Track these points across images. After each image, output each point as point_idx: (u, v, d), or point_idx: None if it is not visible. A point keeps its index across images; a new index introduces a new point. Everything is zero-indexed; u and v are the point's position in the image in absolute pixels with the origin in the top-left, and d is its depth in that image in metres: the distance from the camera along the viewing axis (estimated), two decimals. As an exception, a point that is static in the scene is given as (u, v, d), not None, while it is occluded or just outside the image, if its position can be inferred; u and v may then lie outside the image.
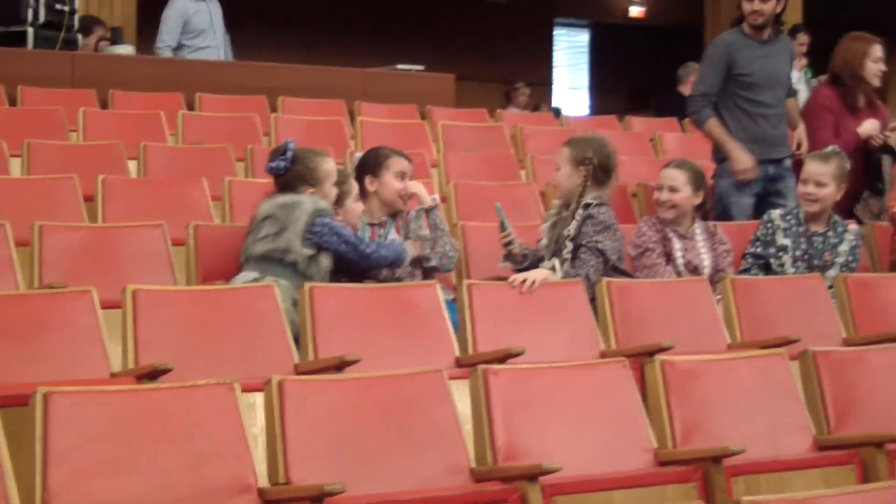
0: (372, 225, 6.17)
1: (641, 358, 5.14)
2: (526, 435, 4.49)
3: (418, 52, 15.18)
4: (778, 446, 4.84)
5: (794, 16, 13.97)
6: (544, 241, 6.24)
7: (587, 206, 6.13)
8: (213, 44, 10.96)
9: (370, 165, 6.22)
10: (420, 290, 5.59)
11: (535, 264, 6.03)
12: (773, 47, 7.66)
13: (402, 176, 6.19)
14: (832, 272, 6.55)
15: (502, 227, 6.17)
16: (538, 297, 5.74)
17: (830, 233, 6.70)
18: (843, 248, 6.67)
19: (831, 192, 6.69)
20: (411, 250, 5.94)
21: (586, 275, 5.99)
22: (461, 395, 4.65)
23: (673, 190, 6.49)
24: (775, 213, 6.79)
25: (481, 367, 4.58)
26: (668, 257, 6.40)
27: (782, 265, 6.65)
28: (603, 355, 5.54)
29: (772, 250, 6.68)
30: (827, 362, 5.16)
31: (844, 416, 5.05)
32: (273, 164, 5.90)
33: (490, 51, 18.85)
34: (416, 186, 6.25)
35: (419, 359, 5.12)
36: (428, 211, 6.18)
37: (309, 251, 5.66)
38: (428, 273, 6.09)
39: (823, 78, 10.78)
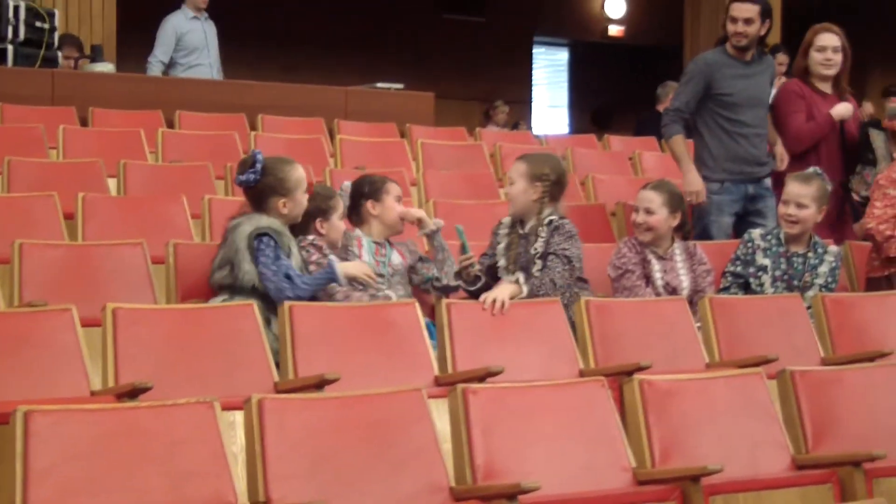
0: (377, 244, 6.19)
1: (620, 377, 5.16)
2: (505, 454, 4.50)
3: (398, 70, 15.23)
4: (756, 465, 4.85)
5: (773, 36, 14.03)
6: (502, 262, 6.26)
7: (550, 222, 6.19)
8: (206, 62, 11.04)
9: (369, 192, 6.25)
10: (399, 309, 5.60)
11: (488, 285, 6.06)
12: (755, 68, 7.68)
13: (399, 199, 6.28)
14: (811, 293, 6.57)
15: (463, 250, 6.20)
16: (517, 316, 5.76)
17: (811, 254, 6.72)
18: (823, 269, 6.69)
19: (812, 213, 6.72)
20: (347, 269, 5.81)
21: (551, 279, 6.05)
22: (440, 414, 4.66)
23: (649, 212, 6.52)
24: (756, 233, 6.82)
25: (461, 385, 4.59)
26: (648, 279, 6.43)
27: (762, 285, 6.67)
28: (582, 374, 5.55)
29: (751, 270, 6.71)
30: (805, 381, 5.18)
31: (822, 435, 5.07)
32: (243, 178, 5.85)
33: (469, 69, 18.89)
34: (419, 212, 6.35)
35: (399, 377, 5.13)
36: (431, 235, 6.24)
37: None
38: (442, 292, 6.17)
39: None
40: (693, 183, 7.47)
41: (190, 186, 7.61)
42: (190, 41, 11.09)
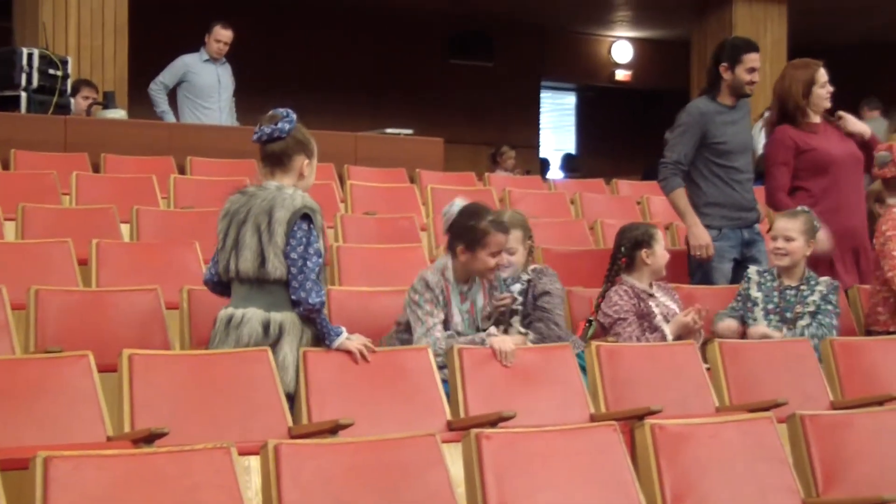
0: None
1: (631, 421, 5.19)
2: (518, 498, 4.52)
3: (407, 115, 15.31)
4: (767, 509, 4.89)
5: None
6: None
7: (534, 269, 6.36)
8: (215, 106, 11.14)
9: (467, 238, 5.92)
10: (411, 354, 5.64)
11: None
12: (739, 113, 7.71)
13: (496, 254, 5.95)
14: (803, 322, 6.63)
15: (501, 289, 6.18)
16: (527, 361, 5.79)
17: (803, 286, 6.79)
18: (813, 298, 6.74)
19: (800, 245, 6.78)
20: (346, 343, 5.43)
21: (555, 322, 6.23)
22: (454, 459, 4.70)
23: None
24: (752, 270, 6.96)
25: (474, 430, 4.62)
26: (645, 318, 6.47)
27: (755, 319, 6.75)
28: (593, 419, 5.59)
29: (749, 304, 6.80)
30: (815, 425, 5.20)
31: (832, 479, 5.09)
32: (277, 126, 5.46)
33: (478, 114, 18.98)
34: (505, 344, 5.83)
35: (412, 422, 5.17)
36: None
37: None
38: None
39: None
40: (701, 237, 7.47)
41: (202, 232, 7.64)
42: (198, 82, 11.23)
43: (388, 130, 11.71)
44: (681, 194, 7.56)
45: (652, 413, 5.29)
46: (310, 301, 5.31)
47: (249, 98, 12.10)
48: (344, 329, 5.48)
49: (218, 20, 11.44)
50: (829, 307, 6.73)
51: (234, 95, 11.58)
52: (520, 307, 6.24)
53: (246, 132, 10.74)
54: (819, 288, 6.79)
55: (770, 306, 6.78)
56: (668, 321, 6.49)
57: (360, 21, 18.10)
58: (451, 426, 5.35)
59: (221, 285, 5.59)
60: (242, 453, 4.41)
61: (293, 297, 5.34)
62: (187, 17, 13.42)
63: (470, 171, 10.95)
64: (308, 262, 5.33)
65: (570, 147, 21.59)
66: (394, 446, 4.55)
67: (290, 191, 5.43)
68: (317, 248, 5.37)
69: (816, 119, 7.58)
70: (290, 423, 5.17)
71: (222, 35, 11.31)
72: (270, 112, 5.60)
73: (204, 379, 5.21)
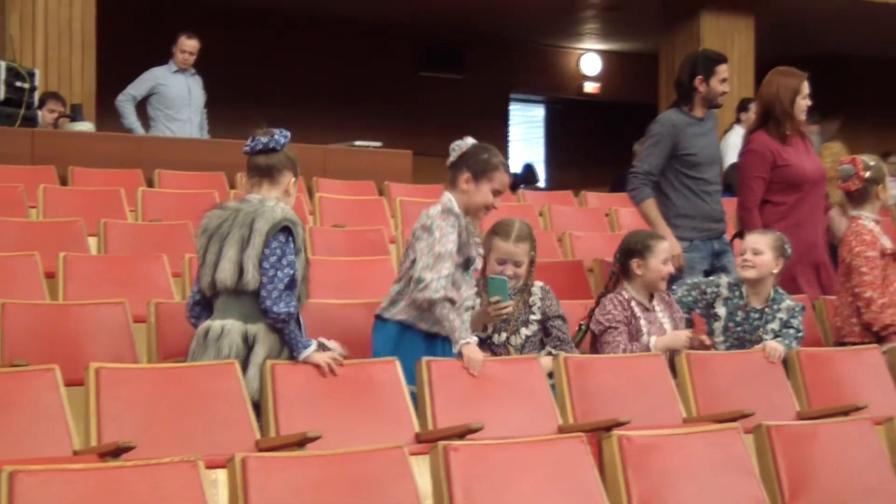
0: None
1: (599, 433, 5.20)
2: (486, 510, 4.55)
3: (376, 127, 15.31)
4: (734, 520, 4.91)
5: (747, 89, 14.20)
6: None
7: (542, 287, 6.33)
8: (186, 117, 11.14)
9: (477, 167, 5.96)
10: (379, 366, 5.64)
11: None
12: (707, 125, 7.75)
13: (497, 193, 5.99)
14: (767, 337, 6.61)
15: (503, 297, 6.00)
16: (496, 373, 5.79)
17: (767, 309, 6.76)
18: (773, 325, 6.72)
19: (768, 260, 6.75)
20: (314, 356, 5.43)
21: (568, 342, 6.29)
22: (421, 471, 4.71)
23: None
24: (724, 281, 6.89)
25: (441, 443, 4.63)
26: (634, 334, 6.44)
27: (713, 332, 6.76)
28: (561, 430, 5.59)
29: (711, 311, 6.80)
30: (781, 436, 5.24)
31: (799, 489, 5.12)
32: (273, 137, 5.54)
33: (447, 126, 18.93)
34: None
35: (379, 434, 5.17)
36: None
37: None
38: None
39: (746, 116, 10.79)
40: (673, 247, 7.48)
41: (170, 245, 7.66)
42: (168, 94, 11.23)
43: (357, 143, 11.72)
44: (651, 205, 7.57)
45: (619, 424, 5.30)
46: (275, 310, 5.33)
47: (219, 110, 12.09)
48: (314, 342, 5.48)
49: (185, 32, 11.44)
50: (791, 331, 6.69)
51: (205, 107, 11.58)
52: (536, 320, 6.27)
53: (214, 144, 10.80)
54: (780, 315, 6.74)
55: (731, 324, 6.77)
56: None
57: (331, 33, 18.09)
58: (418, 438, 5.34)
59: (201, 306, 5.58)
60: (210, 466, 4.42)
61: (262, 306, 5.36)
62: (156, 31, 13.39)
63: (439, 183, 10.91)
64: (279, 273, 5.35)
65: (539, 159, 21.61)
66: (361, 459, 4.56)
67: (272, 203, 5.48)
68: (290, 261, 5.39)
69: (791, 130, 7.63)
70: (257, 435, 5.16)
71: (188, 45, 11.32)
72: (265, 127, 5.67)
73: (171, 392, 5.20)
